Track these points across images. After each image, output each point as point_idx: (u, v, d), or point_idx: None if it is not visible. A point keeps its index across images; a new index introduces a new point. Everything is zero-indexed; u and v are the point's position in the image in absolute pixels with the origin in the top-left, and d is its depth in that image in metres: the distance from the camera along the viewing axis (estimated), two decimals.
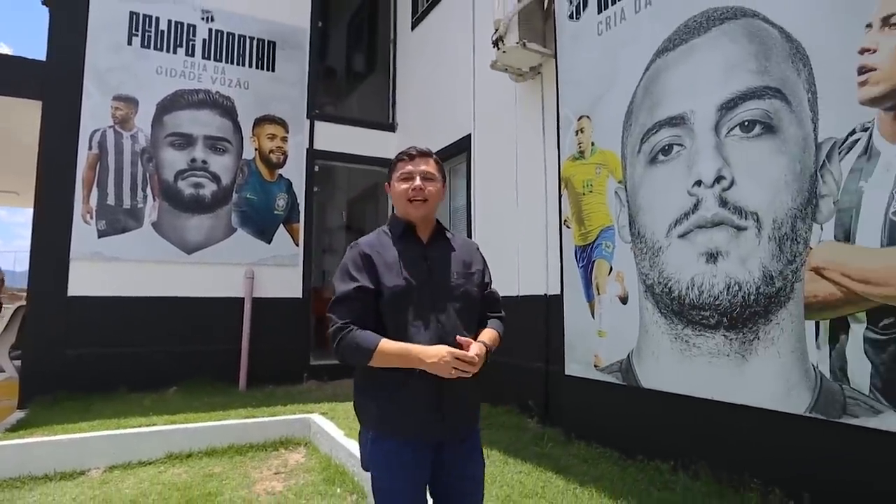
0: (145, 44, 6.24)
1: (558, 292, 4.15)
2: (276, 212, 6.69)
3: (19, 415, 5.01)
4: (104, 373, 5.65)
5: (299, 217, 6.81)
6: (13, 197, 11.46)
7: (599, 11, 3.86)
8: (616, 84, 3.67)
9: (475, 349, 1.65)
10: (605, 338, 3.68)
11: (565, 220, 4.08)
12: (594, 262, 3.79)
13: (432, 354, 1.59)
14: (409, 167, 1.85)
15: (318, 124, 7.07)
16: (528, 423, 4.44)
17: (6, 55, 6.00)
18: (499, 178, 5.16)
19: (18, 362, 6.23)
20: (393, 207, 2.03)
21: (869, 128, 2.36)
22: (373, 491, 1.72)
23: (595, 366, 3.74)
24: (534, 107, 4.69)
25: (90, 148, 5.90)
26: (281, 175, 6.78)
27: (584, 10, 3.99)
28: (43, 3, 9.65)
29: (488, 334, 1.82)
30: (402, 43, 7.60)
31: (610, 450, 3.57)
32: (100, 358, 5.68)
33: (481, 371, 1.70)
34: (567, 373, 3.99)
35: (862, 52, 2.39)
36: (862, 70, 2.39)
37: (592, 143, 3.85)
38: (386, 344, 1.62)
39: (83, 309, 5.68)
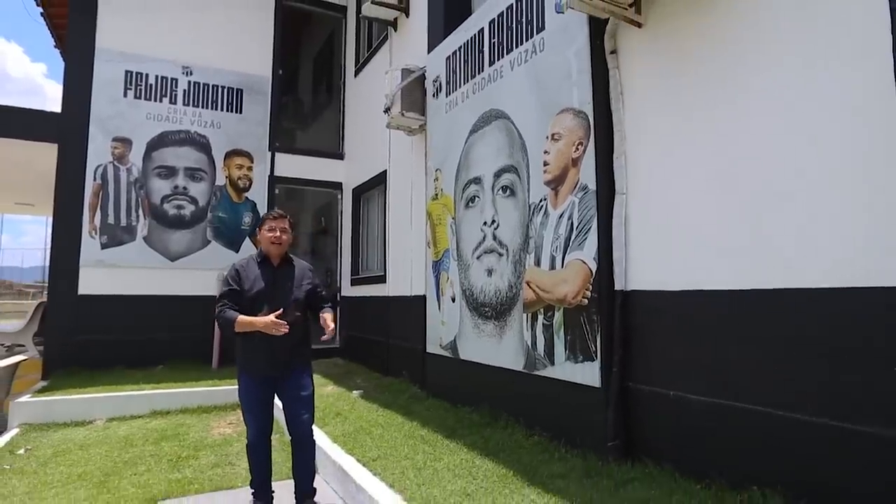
0: (137, 95, 7.90)
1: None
2: (242, 227, 8.35)
3: (43, 383, 6.71)
4: (106, 354, 7.34)
5: None
6: (29, 208, 13.34)
7: (447, 95, 5.47)
8: (453, 150, 5.28)
9: (328, 320, 3.30)
10: (444, 326, 5.31)
11: (428, 243, 5.72)
12: (441, 272, 5.43)
13: (262, 320, 3.12)
14: (273, 224, 3.42)
15: (279, 155, 8.73)
16: (412, 388, 6.07)
17: (34, 110, 7.64)
18: (401, 206, 6.80)
19: (41, 347, 7.96)
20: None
21: (546, 199, 3.97)
22: (240, 403, 3.36)
23: (439, 345, 5.38)
24: (421, 155, 6.29)
25: (94, 179, 7.58)
26: (247, 197, 8.45)
27: (439, 93, 5.61)
28: (55, 47, 11.35)
29: (328, 315, 3.37)
30: (349, 86, 9.24)
31: (446, 402, 5.20)
32: (103, 343, 7.37)
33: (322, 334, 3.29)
34: (427, 350, 5.64)
35: (545, 152, 4.00)
36: (545, 163, 4.00)
37: (441, 189, 5.47)
38: (240, 318, 3.20)
39: (90, 305, 7.37)
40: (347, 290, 8.81)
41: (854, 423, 2.34)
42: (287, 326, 3.14)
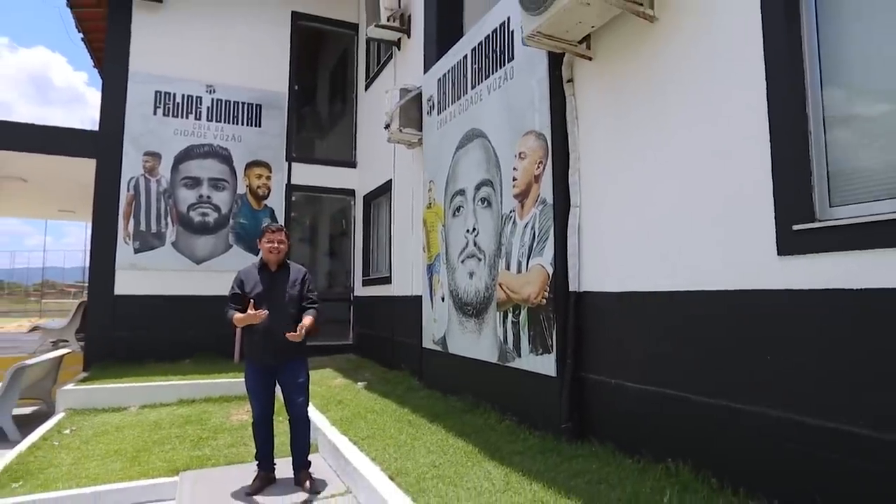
0: (166, 113, 8.65)
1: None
2: None
3: (84, 374, 7.49)
4: (139, 348, 8.11)
5: None
6: (71, 214, 14.41)
7: (438, 113, 6.00)
8: (443, 163, 5.81)
9: (303, 323, 3.81)
10: (436, 323, 5.85)
11: (423, 247, 6.26)
12: (433, 274, 5.97)
13: (246, 314, 3.75)
14: (271, 236, 4.05)
15: (295, 165, 9.40)
16: (410, 380, 6.62)
17: (75, 129, 8.43)
18: (404, 212, 7.36)
19: (83, 342, 8.79)
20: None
21: (515, 210, 4.48)
22: (246, 389, 3.98)
23: (433, 341, 5.92)
24: (420, 167, 6.83)
25: (128, 190, 8.36)
26: (266, 205, 9.14)
27: (432, 110, 6.14)
28: (94, 66, 12.25)
29: (306, 320, 3.96)
30: (360, 99, 9.85)
31: (438, 392, 5.73)
32: (136, 338, 8.14)
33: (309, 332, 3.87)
34: (424, 346, 6.18)
35: (514, 169, 4.50)
36: (514, 179, 4.50)
37: (434, 199, 6.01)
38: (235, 316, 3.81)
39: (125, 304, 8.15)
40: (360, 290, 9.42)
41: (744, 404, 2.79)
42: (265, 312, 3.73)
